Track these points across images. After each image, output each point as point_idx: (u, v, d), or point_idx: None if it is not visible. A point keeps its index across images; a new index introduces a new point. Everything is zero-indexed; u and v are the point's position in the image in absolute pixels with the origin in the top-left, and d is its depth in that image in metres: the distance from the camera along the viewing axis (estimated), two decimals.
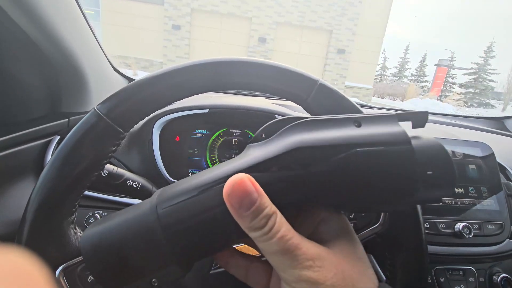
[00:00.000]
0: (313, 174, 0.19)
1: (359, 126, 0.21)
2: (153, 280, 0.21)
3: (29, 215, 0.26)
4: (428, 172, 0.19)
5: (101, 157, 0.28)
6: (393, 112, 0.22)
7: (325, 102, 0.30)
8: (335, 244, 0.19)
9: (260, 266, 0.25)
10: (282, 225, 0.18)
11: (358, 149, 0.19)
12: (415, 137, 0.21)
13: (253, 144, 0.23)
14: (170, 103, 0.29)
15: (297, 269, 0.17)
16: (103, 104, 0.27)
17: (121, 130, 0.28)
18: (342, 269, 0.18)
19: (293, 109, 0.68)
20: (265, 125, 0.23)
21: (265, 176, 0.19)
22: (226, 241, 0.22)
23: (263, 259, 0.24)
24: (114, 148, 0.29)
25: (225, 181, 0.19)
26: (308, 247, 0.18)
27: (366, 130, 0.20)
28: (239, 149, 0.66)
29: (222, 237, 0.21)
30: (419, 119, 0.22)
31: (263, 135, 0.23)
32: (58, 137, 0.53)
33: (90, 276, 0.28)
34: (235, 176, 0.18)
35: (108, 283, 0.21)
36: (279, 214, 0.19)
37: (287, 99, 0.31)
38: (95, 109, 0.27)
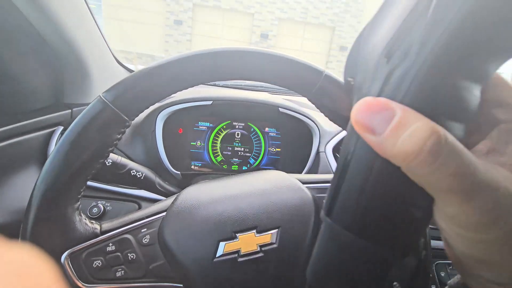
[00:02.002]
0: None
1: None
2: (394, 283, 0.17)
3: (35, 201, 0.26)
4: None
5: (106, 144, 0.28)
6: None
7: (330, 94, 0.30)
8: None
9: None
10: None
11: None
12: None
13: None
14: (175, 92, 0.29)
15: None
16: (108, 92, 0.27)
17: (126, 118, 0.28)
18: None
19: (298, 103, 0.67)
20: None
21: None
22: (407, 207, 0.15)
23: None
24: (119, 136, 0.29)
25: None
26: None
27: None
28: (242, 142, 0.66)
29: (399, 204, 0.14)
30: None
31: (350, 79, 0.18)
32: (61, 128, 0.53)
33: (95, 262, 0.28)
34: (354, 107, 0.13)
35: None
36: None
37: (292, 90, 0.31)
38: (100, 97, 0.27)
